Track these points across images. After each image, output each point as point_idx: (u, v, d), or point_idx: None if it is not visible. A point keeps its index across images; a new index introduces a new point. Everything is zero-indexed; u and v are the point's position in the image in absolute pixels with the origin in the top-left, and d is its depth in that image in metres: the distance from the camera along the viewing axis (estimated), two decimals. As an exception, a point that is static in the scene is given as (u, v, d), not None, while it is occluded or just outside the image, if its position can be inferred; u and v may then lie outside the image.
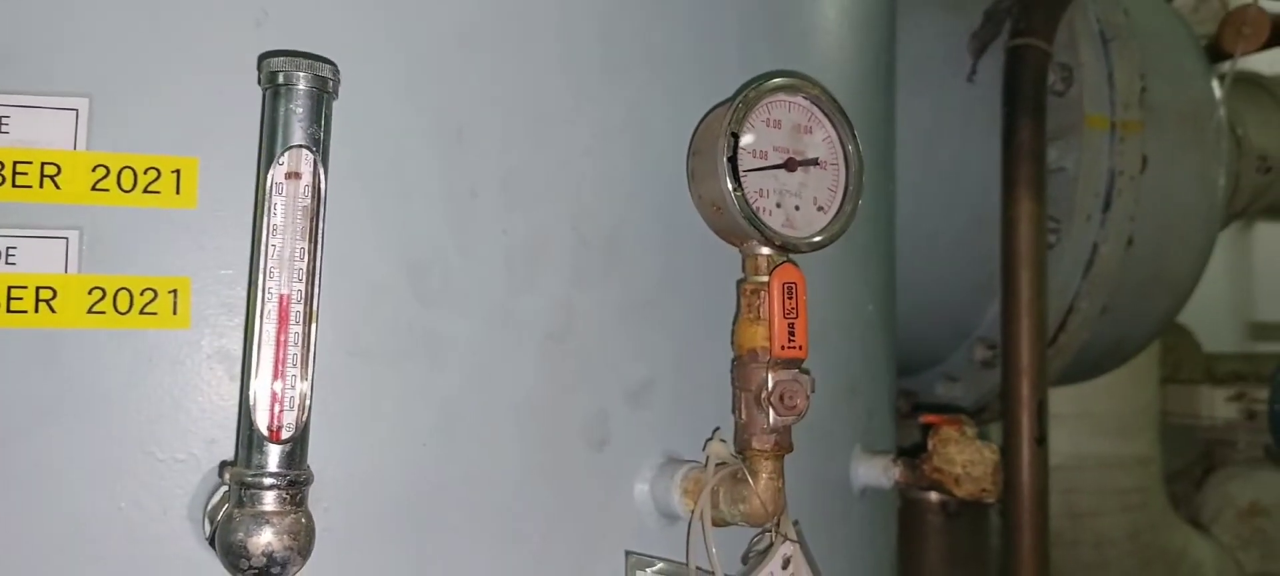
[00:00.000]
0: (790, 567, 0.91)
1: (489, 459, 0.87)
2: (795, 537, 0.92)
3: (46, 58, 0.77)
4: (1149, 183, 1.86)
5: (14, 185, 0.76)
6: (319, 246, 0.69)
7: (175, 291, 0.78)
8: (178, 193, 0.78)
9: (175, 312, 0.78)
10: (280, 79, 0.69)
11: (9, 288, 0.76)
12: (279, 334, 0.67)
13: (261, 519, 0.65)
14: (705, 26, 1.01)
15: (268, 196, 0.69)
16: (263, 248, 0.68)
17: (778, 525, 0.91)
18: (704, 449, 0.92)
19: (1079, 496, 3.31)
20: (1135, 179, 1.83)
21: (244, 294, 0.78)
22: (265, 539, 0.65)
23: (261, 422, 0.66)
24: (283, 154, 0.68)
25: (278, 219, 0.68)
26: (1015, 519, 1.55)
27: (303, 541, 0.67)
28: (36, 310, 0.76)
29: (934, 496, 2.14)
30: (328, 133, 0.70)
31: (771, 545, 0.92)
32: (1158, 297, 2.03)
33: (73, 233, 0.77)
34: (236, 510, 0.66)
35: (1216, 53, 2.20)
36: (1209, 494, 4.30)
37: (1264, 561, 4.10)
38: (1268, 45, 2.17)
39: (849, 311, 1.18)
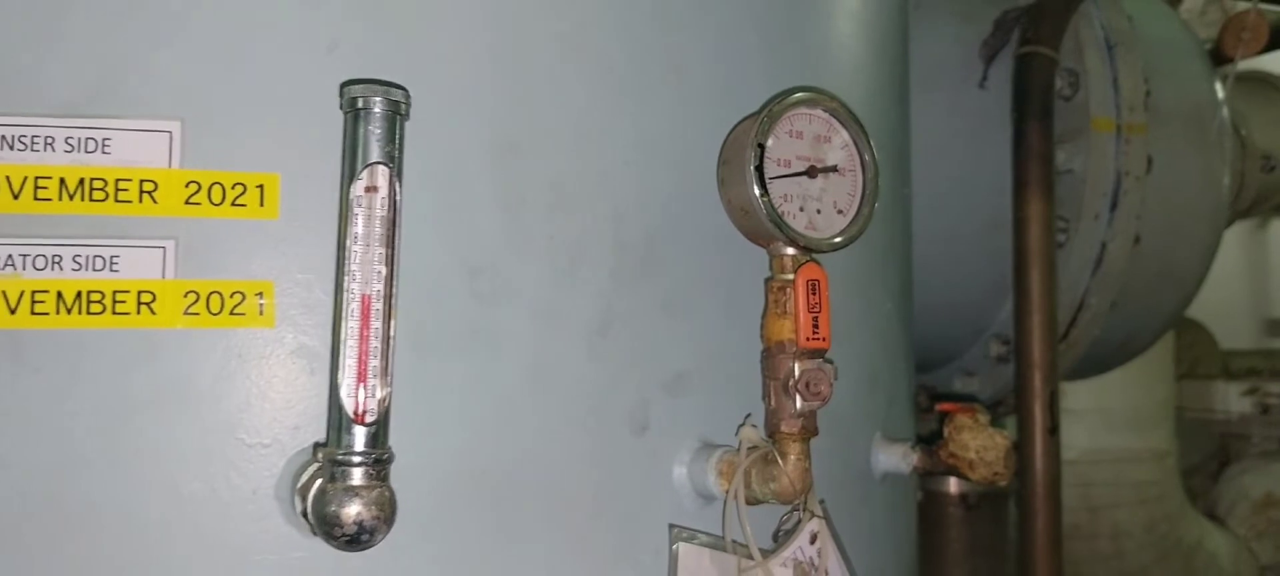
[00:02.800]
0: (817, 542, 0.99)
1: (540, 443, 0.95)
2: (821, 514, 1.00)
3: (144, 85, 0.86)
4: (1154, 183, 1.94)
5: (116, 200, 0.85)
6: (396, 251, 0.78)
7: (261, 294, 0.87)
8: (262, 205, 0.87)
9: (261, 313, 0.87)
10: (359, 104, 0.78)
11: (114, 292, 0.84)
12: (362, 330, 0.76)
13: (351, 492, 0.74)
14: (731, 45, 1.09)
15: (350, 208, 0.77)
16: (346, 254, 0.77)
17: (805, 503, 0.99)
18: (736, 434, 1.00)
19: (1096, 489, 3.37)
20: (1141, 179, 1.91)
21: (322, 295, 0.87)
22: (355, 509, 0.74)
23: (349, 407, 0.75)
24: (362, 170, 0.77)
25: (359, 228, 0.77)
26: (1029, 505, 1.63)
27: (387, 511, 0.75)
28: (138, 312, 0.85)
29: (954, 489, 2.22)
30: (401, 150, 0.79)
31: (799, 522, 1.00)
32: (1165, 294, 2.10)
33: (169, 242, 0.85)
34: (329, 485, 0.75)
35: (1218, 56, 2.27)
36: (1224, 487, 4.36)
37: (1279, 553, 4.15)
38: (1267, 49, 2.24)
39: (868, 307, 1.26)
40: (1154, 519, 3.58)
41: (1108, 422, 3.39)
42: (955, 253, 1.87)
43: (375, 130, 0.77)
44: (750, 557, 0.95)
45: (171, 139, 0.86)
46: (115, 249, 0.85)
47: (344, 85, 0.81)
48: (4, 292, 0.83)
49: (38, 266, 0.84)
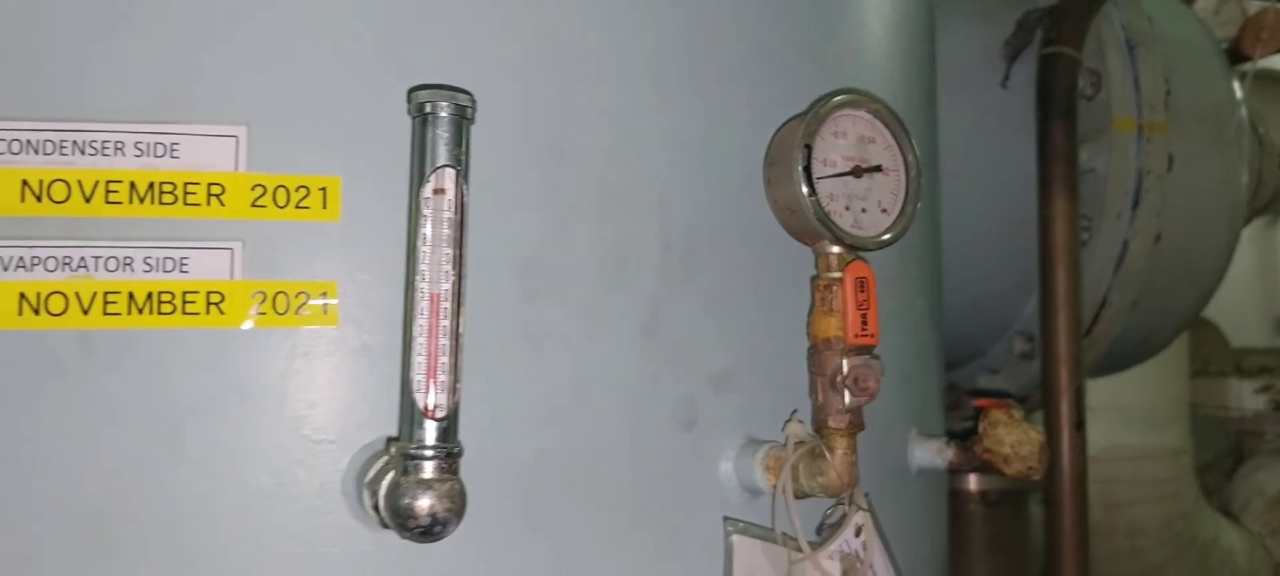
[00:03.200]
0: (862, 535, 1.01)
1: (591, 438, 0.97)
2: (866, 507, 1.02)
3: (211, 92, 0.89)
4: (1175, 181, 1.96)
5: (185, 203, 0.88)
6: (463, 252, 0.80)
7: (324, 294, 0.89)
8: (324, 207, 0.89)
9: (325, 312, 0.89)
10: (427, 108, 0.80)
11: (184, 292, 0.87)
12: (432, 327, 0.78)
13: (424, 485, 0.76)
14: (772, 48, 1.12)
15: (419, 210, 0.79)
16: (417, 254, 0.79)
17: (851, 497, 1.01)
18: (783, 429, 1.02)
19: (1114, 487, 3.39)
20: (1162, 178, 1.93)
21: (382, 295, 0.89)
22: (428, 502, 0.76)
23: (420, 403, 0.77)
24: (431, 173, 0.79)
25: (428, 229, 0.79)
26: (1057, 499, 1.65)
27: (458, 503, 0.78)
28: (207, 312, 0.87)
29: (974, 486, 2.24)
30: (467, 153, 0.81)
31: (845, 515, 1.02)
32: (1185, 291, 2.12)
33: (236, 244, 0.88)
34: (402, 478, 0.77)
35: (1236, 55, 2.29)
36: (1238, 484, 4.37)
37: (1293, 548, 4.17)
38: (1285, 49, 2.26)
39: (902, 305, 1.28)
40: (1170, 516, 3.60)
41: (1124, 420, 3.41)
42: (978, 251, 1.89)
43: (443, 134, 0.80)
44: (799, 550, 0.97)
45: (238, 143, 0.89)
46: (185, 250, 0.87)
47: (412, 91, 0.83)
48: (77, 294, 0.85)
49: (109, 268, 0.86)
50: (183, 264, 0.87)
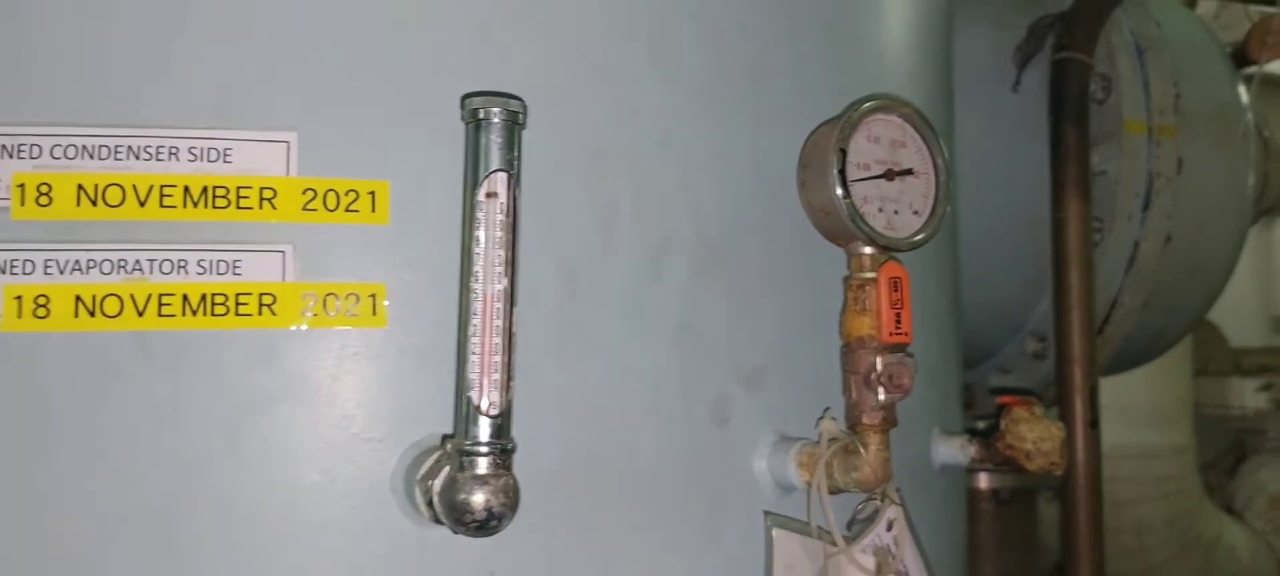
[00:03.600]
0: (894, 529, 1.04)
1: (630, 435, 0.99)
2: (899, 502, 1.04)
3: (262, 98, 0.91)
4: (1184, 183, 1.98)
5: (238, 207, 0.90)
6: (515, 253, 0.82)
7: (374, 296, 0.91)
8: (373, 211, 0.92)
9: (374, 314, 0.91)
10: (480, 115, 0.82)
11: (236, 294, 0.89)
12: (485, 327, 0.80)
13: (480, 481, 0.78)
14: (800, 55, 1.14)
15: (473, 213, 0.82)
16: (470, 256, 0.81)
17: (884, 492, 1.04)
18: (816, 426, 1.04)
19: (1119, 485, 3.42)
20: (1172, 180, 1.96)
21: (431, 297, 0.91)
22: (484, 497, 0.78)
23: (475, 400, 0.79)
24: (484, 177, 0.81)
25: (481, 232, 0.81)
26: (1072, 496, 1.67)
27: (513, 498, 0.80)
28: (259, 313, 0.89)
29: (985, 484, 2.26)
30: (519, 157, 0.84)
31: (877, 510, 1.04)
32: (1194, 291, 2.15)
33: (288, 246, 0.90)
34: (458, 474, 0.79)
35: (1241, 59, 2.32)
36: (1241, 482, 4.41)
37: (1295, 546, 4.21)
38: (1294, 53, 2.29)
39: (925, 305, 1.30)
40: (1175, 513, 3.64)
41: (1129, 419, 3.44)
42: (992, 252, 1.91)
43: (495, 139, 0.82)
44: (834, 544, 0.99)
45: (289, 149, 0.91)
46: (237, 253, 0.89)
47: (466, 97, 0.85)
48: (132, 295, 0.87)
49: (164, 271, 0.88)
50: (235, 266, 0.89)
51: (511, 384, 0.81)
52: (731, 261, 1.06)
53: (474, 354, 0.80)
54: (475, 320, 0.81)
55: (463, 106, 0.84)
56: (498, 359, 0.80)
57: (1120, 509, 3.47)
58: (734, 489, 1.05)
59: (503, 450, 0.80)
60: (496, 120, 0.83)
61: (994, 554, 2.26)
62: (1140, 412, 3.49)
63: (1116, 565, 3.43)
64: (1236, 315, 5.31)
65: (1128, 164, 1.93)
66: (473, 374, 0.80)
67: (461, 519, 0.79)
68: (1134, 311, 1.97)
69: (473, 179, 0.82)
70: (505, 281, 0.81)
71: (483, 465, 0.79)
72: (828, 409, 1.06)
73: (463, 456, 0.79)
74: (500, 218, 0.82)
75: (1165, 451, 3.61)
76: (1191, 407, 3.84)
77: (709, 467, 1.04)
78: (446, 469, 0.81)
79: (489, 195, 0.82)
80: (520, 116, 0.83)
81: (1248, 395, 4.64)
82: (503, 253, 0.81)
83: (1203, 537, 3.76)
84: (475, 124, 0.83)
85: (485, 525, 0.79)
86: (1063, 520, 1.71)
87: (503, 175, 0.82)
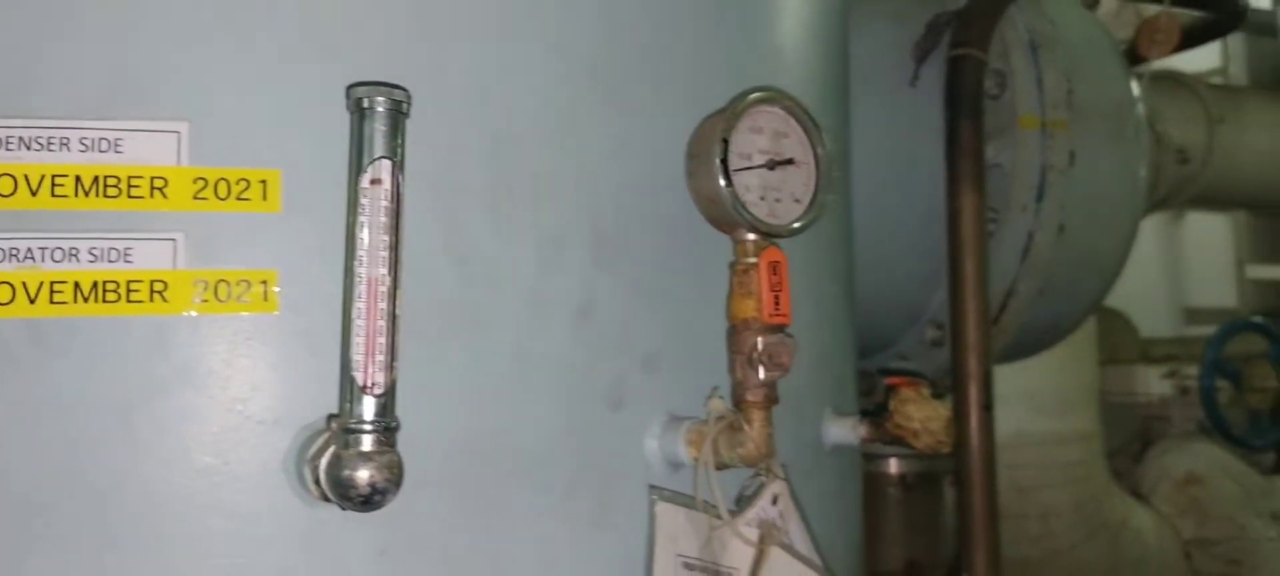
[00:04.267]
0: (779, 504, 1.08)
1: (526, 418, 1.02)
2: (784, 478, 1.08)
3: (153, 88, 0.93)
4: (1077, 175, 2.06)
5: (129, 196, 0.91)
6: (399, 238, 0.85)
7: (265, 282, 0.93)
8: (264, 199, 0.94)
9: (265, 299, 0.93)
10: (364, 104, 0.85)
11: (128, 281, 0.91)
12: (370, 310, 0.83)
13: (364, 457, 0.81)
14: (695, 49, 1.18)
15: (357, 200, 0.84)
16: (355, 242, 0.84)
17: (768, 467, 1.08)
18: (705, 405, 1.08)
19: (1024, 471, 3.53)
20: (1064, 172, 2.03)
21: (321, 282, 0.93)
22: (368, 473, 0.81)
23: (360, 380, 0.82)
24: (368, 165, 0.84)
25: (365, 217, 0.84)
26: (967, 480, 1.74)
27: (396, 474, 0.83)
28: (151, 300, 0.91)
29: (892, 470, 2.33)
30: (403, 146, 0.86)
31: (762, 485, 1.08)
32: (1088, 279, 2.23)
33: (179, 235, 0.92)
34: (343, 452, 0.82)
35: (1134, 56, 2.42)
36: (1147, 467, 4.56)
37: (1199, 527, 4.36)
38: (1178, 49, 2.39)
39: (818, 293, 1.35)
40: (1081, 498, 3.75)
41: (1034, 407, 3.54)
42: (890, 243, 1.97)
43: (379, 128, 0.85)
44: (719, 517, 1.03)
45: (180, 139, 0.92)
46: (129, 241, 0.91)
47: (350, 87, 0.88)
48: (24, 283, 0.88)
49: (55, 259, 0.89)
50: (127, 254, 0.91)
51: (395, 365, 0.84)
52: (628, 248, 1.09)
53: (358, 336, 0.83)
54: (359, 303, 0.83)
55: (347, 96, 0.87)
56: (382, 340, 0.83)
57: (1026, 494, 3.57)
58: (627, 469, 1.08)
59: (386, 428, 0.82)
60: (381, 109, 0.85)
61: (901, 537, 2.33)
62: (1046, 400, 3.60)
63: (1023, 550, 3.54)
64: (1148, 306, 5.49)
65: (1021, 157, 2.00)
66: (357, 355, 0.83)
67: (346, 494, 0.81)
68: (1030, 299, 2.04)
69: (357, 166, 0.85)
70: (389, 265, 0.84)
71: (367, 442, 0.82)
72: (716, 388, 1.10)
73: (348, 434, 0.82)
74: (384, 204, 0.85)
75: (1071, 438, 3.72)
76: (1097, 395, 3.96)
77: (603, 448, 1.07)
78: (332, 447, 0.83)
79: (373, 182, 0.84)
80: (404, 105, 0.86)
81: (1153, 382, 4.80)
82: (387, 237, 0.84)
83: (1109, 522, 3.88)
84: (360, 113, 0.85)
85: (370, 500, 0.81)
86: (959, 502, 1.77)
87: (387, 162, 0.85)
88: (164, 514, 0.91)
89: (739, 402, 1.06)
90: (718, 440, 1.04)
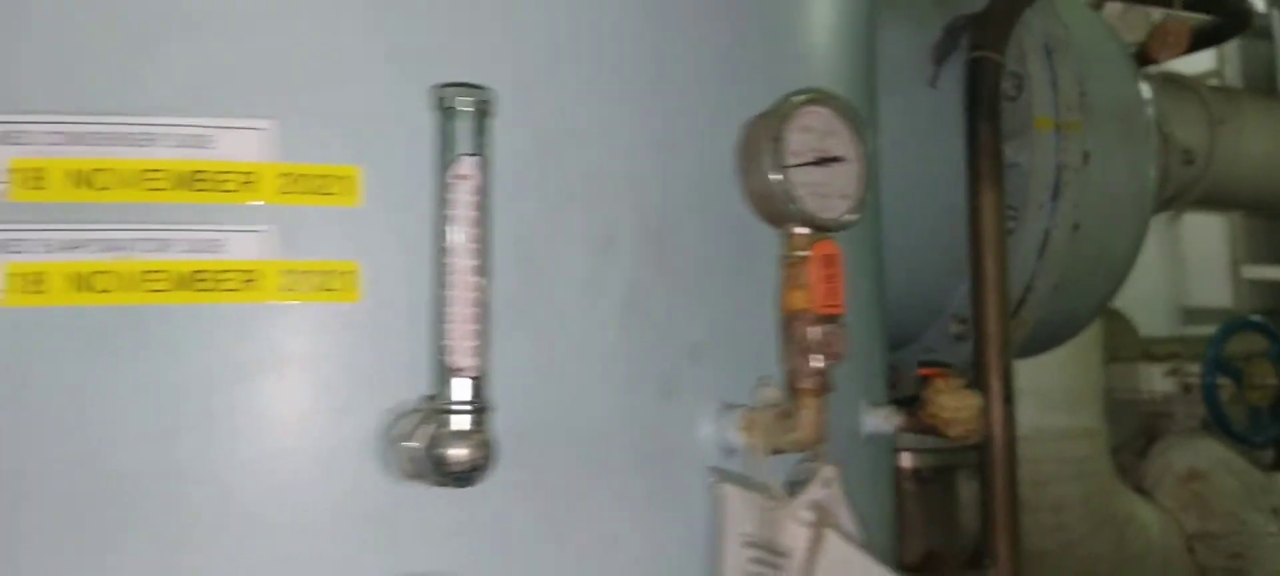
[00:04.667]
0: (831, 488, 1.13)
1: (584, 404, 1.07)
2: (833, 464, 1.14)
3: (243, 88, 0.98)
4: (1090, 175, 2.12)
5: (221, 191, 0.96)
6: (485, 231, 0.90)
7: (348, 272, 0.98)
8: (347, 194, 0.99)
9: (349, 289, 0.98)
10: (453, 103, 0.90)
11: (220, 271, 0.95)
12: (461, 298, 0.88)
13: (461, 436, 0.86)
14: (736, 53, 1.23)
15: (446, 193, 0.89)
16: (445, 234, 0.89)
17: (820, 453, 1.13)
18: (755, 392, 1.13)
19: (1038, 465, 3.59)
20: (1078, 171, 2.09)
21: (398, 273, 0.98)
22: (465, 451, 0.86)
23: (455, 363, 0.87)
24: (456, 160, 0.89)
25: (454, 211, 0.89)
26: (990, 469, 1.79)
27: (491, 452, 0.88)
28: (241, 289, 0.96)
29: (907, 464, 2.38)
30: (487, 143, 0.91)
31: (813, 470, 1.13)
32: (1101, 275, 2.29)
33: (267, 227, 0.97)
34: (439, 431, 0.87)
35: (1143, 59, 2.47)
36: (1151, 462, 4.63)
37: (1202, 521, 4.43)
38: (1187, 52, 2.44)
39: (851, 287, 1.40)
40: (1089, 493, 3.81)
41: (1046, 403, 3.60)
42: (914, 240, 2.02)
43: (467, 125, 0.90)
44: (773, 499, 1.08)
45: (268, 136, 0.97)
46: (221, 234, 0.96)
47: (439, 86, 0.93)
48: (123, 272, 0.93)
49: (151, 250, 0.94)
50: (220, 245, 0.96)
51: (486, 350, 0.89)
52: (674, 243, 1.14)
53: (451, 322, 0.88)
54: (452, 291, 0.88)
55: (435, 95, 0.92)
56: (473, 327, 0.88)
57: (1040, 488, 3.63)
58: (680, 453, 1.13)
59: (480, 409, 0.87)
60: (469, 108, 0.90)
61: (920, 529, 2.38)
62: (1055, 396, 3.66)
63: (1038, 541, 3.60)
64: (1147, 306, 5.55)
65: (1038, 157, 2.05)
66: (451, 339, 0.87)
67: (443, 470, 0.86)
68: (1046, 295, 2.09)
69: (443, 162, 0.90)
70: (477, 255, 0.89)
71: (463, 422, 0.87)
72: (765, 377, 1.15)
73: (443, 415, 0.87)
74: (472, 197, 0.90)
75: (1078, 433, 3.78)
76: (1102, 392, 4.03)
77: (657, 434, 1.12)
78: (428, 426, 0.88)
79: (461, 177, 0.89)
80: (488, 105, 0.91)
81: (1156, 380, 4.87)
82: (475, 229, 0.89)
83: (1116, 516, 3.95)
84: (446, 111, 0.90)
85: (466, 476, 0.86)
86: (982, 489, 1.83)
87: (474, 158, 0.90)
88: (248, 493, 0.96)
89: (792, 390, 1.10)
90: (771, 425, 1.09)
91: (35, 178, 0.93)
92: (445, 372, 0.88)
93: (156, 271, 0.94)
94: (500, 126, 1.02)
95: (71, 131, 0.94)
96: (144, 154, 0.95)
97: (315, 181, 0.98)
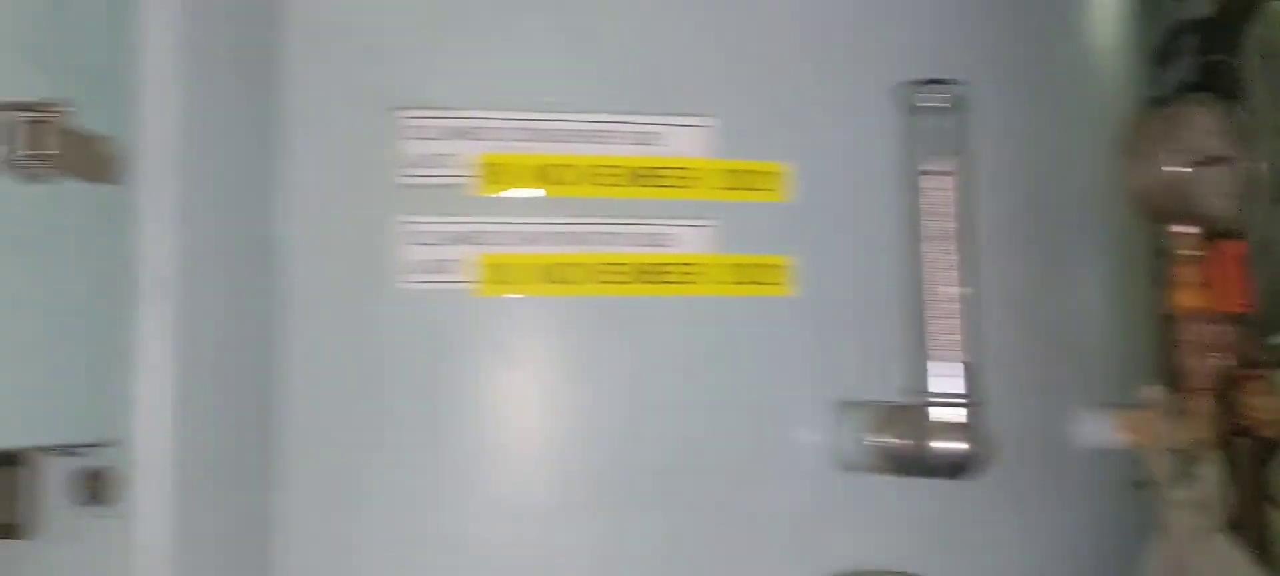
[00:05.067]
0: (1212, 488, 1.14)
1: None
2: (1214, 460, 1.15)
3: (686, 88, 1.00)
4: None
5: (666, 186, 0.98)
6: (962, 225, 0.92)
7: (783, 266, 1.00)
8: (781, 191, 1.00)
9: (784, 284, 1.00)
10: (926, 100, 0.92)
11: (667, 265, 0.97)
12: (935, 293, 0.90)
13: (954, 429, 0.88)
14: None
15: (920, 190, 0.91)
16: (919, 229, 0.90)
17: (1203, 454, 1.14)
18: (1141, 393, 1.13)
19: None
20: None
21: (832, 268, 1.00)
22: (953, 445, 0.88)
23: (937, 356, 0.89)
24: (929, 155, 0.91)
25: (929, 205, 0.91)
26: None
27: (988, 446, 0.89)
28: (683, 282, 0.98)
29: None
30: (963, 143, 0.93)
31: (1196, 469, 1.14)
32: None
33: (712, 222, 0.98)
34: (928, 425, 0.88)
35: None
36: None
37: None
38: None
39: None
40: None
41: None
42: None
43: (940, 121, 0.91)
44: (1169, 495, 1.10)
45: (710, 133, 0.99)
46: (665, 228, 0.98)
47: (902, 85, 0.94)
48: (588, 265, 0.96)
49: (607, 243, 0.96)
50: (664, 240, 0.98)
51: (970, 344, 0.90)
52: (1054, 243, 1.15)
53: (937, 316, 0.89)
54: (934, 287, 0.90)
55: (901, 93, 0.94)
56: (957, 321, 0.89)
57: None
58: (1054, 448, 1.14)
59: (974, 402, 0.89)
60: (935, 106, 0.92)
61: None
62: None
63: None
64: None
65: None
66: (932, 335, 0.89)
67: (931, 463, 0.88)
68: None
69: (917, 156, 0.91)
70: (954, 250, 0.90)
71: (959, 415, 0.88)
72: (1151, 380, 1.15)
73: (933, 409, 0.88)
74: (944, 195, 0.91)
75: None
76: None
77: (1033, 431, 1.13)
78: (909, 421, 0.90)
79: (936, 172, 0.91)
80: (963, 101, 0.92)
81: None
82: (952, 224, 0.91)
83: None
84: (913, 110, 0.92)
85: (959, 469, 0.88)
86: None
87: (948, 156, 0.91)
88: (724, 479, 0.98)
89: (1181, 389, 1.11)
90: (1162, 424, 1.10)
91: (500, 173, 0.96)
92: (930, 369, 0.89)
93: (617, 264, 0.96)
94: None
95: (534, 128, 0.96)
96: (598, 151, 0.97)
97: (752, 177, 1.00)
